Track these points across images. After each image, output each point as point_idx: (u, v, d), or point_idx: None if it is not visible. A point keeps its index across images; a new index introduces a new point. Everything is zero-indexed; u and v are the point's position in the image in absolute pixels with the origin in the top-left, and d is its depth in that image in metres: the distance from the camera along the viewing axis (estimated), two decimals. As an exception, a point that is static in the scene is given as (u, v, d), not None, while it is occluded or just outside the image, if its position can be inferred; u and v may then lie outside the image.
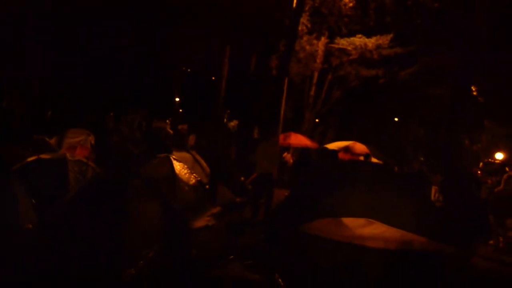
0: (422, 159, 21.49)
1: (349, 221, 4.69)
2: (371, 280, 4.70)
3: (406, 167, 17.22)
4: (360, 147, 11.03)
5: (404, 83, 18.90)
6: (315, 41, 17.24)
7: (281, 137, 13.52)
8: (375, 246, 4.60)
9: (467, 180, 6.53)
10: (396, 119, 27.96)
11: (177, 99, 30.40)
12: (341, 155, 10.37)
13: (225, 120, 25.17)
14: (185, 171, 7.74)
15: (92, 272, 4.61)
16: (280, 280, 4.70)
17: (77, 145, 10.96)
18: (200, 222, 7.21)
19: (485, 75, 17.06)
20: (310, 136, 17.39)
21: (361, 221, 4.67)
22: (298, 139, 15.09)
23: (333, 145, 11.44)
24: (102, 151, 11.54)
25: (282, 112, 12.45)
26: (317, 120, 22.71)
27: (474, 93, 19.74)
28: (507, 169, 10.69)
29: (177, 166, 7.62)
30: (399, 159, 19.75)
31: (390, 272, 4.71)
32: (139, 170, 7.02)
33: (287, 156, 14.85)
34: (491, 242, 9.72)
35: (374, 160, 10.65)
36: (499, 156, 18.81)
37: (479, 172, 10.89)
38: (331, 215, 4.80)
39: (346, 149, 10.86)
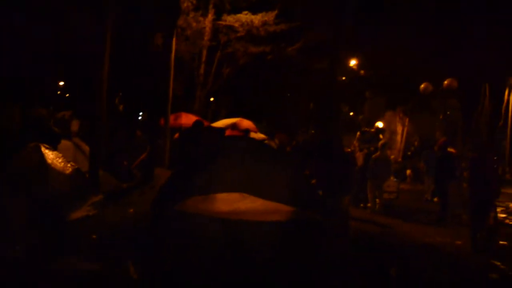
0: (313, 132, 22.48)
1: (223, 196, 4.68)
2: (250, 253, 4.76)
3: (295, 140, 17.88)
4: (246, 123, 11.16)
5: (291, 58, 19.43)
6: (201, 18, 17.03)
7: (172, 117, 13.24)
8: (251, 219, 4.64)
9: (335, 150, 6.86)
10: (288, 94, 28.80)
11: (61, 83, 28.33)
12: (228, 132, 10.42)
13: (116, 101, 24.09)
14: (60, 160, 7.19)
15: None
16: (133, 268, 4.55)
17: None
18: (79, 213, 6.81)
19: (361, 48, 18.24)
20: (203, 115, 17.26)
21: (235, 195, 4.68)
22: (189, 119, 14.80)
23: (220, 123, 11.45)
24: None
25: (170, 91, 12.15)
26: (212, 99, 22.65)
27: (354, 67, 21.07)
28: (381, 136, 11.58)
29: (50, 155, 7.03)
30: (291, 133, 20.45)
31: (268, 243, 4.81)
32: (3, 162, 6.39)
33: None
34: (368, 205, 10.52)
35: (259, 135, 10.85)
36: (380, 124, 20.34)
37: (355, 141, 11.62)
38: (206, 192, 4.76)
39: (233, 126, 10.92)
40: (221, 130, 9.55)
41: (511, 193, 17.49)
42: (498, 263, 6.61)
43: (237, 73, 20.12)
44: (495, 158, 7.52)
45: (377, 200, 10.40)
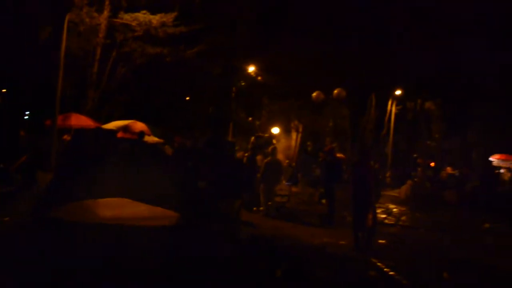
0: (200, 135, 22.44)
1: (106, 201, 4.44)
2: (133, 260, 4.57)
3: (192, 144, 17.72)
4: (140, 126, 10.80)
5: (190, 61, 19.26)
6: (96, 14, 16.18)
7: (60, 118, 12.43)
8: (134, 225, 4.46)
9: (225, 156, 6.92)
10: (187, 98, 28.48)
11: None
12: (120, 135, 10.00)
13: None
14: None
15: None
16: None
17: None
18: None
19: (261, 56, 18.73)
20: (96, 116, 16.40)
21: (119, 200, 4.47)
22: (80, 120, 14.02)
23: (111, 125, 10.96)
24: None
25: (59, 90, 11.38)
26: (106, 100, 21.59)
27: (252, 74, 21.55)
28: (274, 141, 11.95)
29: None
30: (189, 137, 20.22)
31: (153, 249, 4.66)
32: None
33: (68, 138, 13.70)
34: (261, 208, 10.76)
35: (153, 139, 10.58)
36: (275, 130, 20.99)
37: (249, 146, 11.86)
38: (88, 197, 4.48)
39: (125, 129, 10.50)
40: (112, 132, 9.11)
41: (392, 195, 19.12)
42: (376, 261, 7.10)
43: (134, 74, 19.44)
44: (374, 163, 8.09)
45: (269, 203, 10.67)
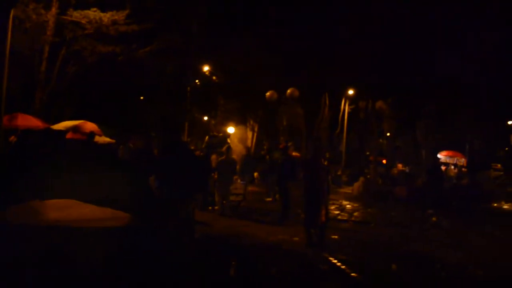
0: (153, 135, 22.20)
1: (52, 203, 4.31)
2: (81, 264, 4.46)
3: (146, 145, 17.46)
4: (90, 126, 10.53)
5: (143, 61, 18.95)
6: (43, 11, 15.61)
7: (6, 118, 11.92)
8: (82, 226, 4.35)
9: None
10: (141, 97, 28.03)
11: None
12: (70, 135, 9.72)
13: None
14: None
15: None
16: None
17: None
18: None
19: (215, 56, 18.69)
20: (45, 117, 15.84)
21: (65, 202, 4.34)
22: (27, 120, 13.47)
23: (60, 125, 10.62)
24: None
25: (4, 89, 10.90)
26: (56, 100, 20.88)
27: (207, 73, 21.49)
28: (228, 140, 11.97)
29: None
30: (144, 137, 19.90)
31: (101, 251, 4.56)
32: None
33: (14, 139, 13.15)
34: (216, 207, 10.77)
35: (104, 139, 10.34)
36: (231, 130, 21.00)
37: (203, 145, 11.83)
38: (33, 198, 4.33)
39: (75, 129, 10.21)
40: (61, 133, 8.85)
41: (346, 192, 19.59)
42: (328, 256, 7.27)
43: (85, 73, 18.91)
44: (325, 161, 8.27)
45: (224, 202, 10.68)
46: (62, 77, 17.64)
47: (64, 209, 4.32)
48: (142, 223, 4.74)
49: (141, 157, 7.87)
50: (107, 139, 10.54)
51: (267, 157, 11.33)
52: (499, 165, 30.95)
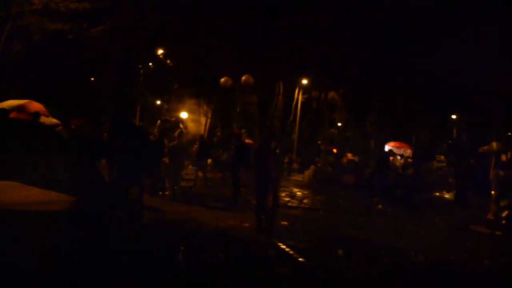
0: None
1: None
2: (24, 247, 4.32)
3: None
4: (36, 106, 10.08)
5: (95, 41, 18.32)
6: (-14, -17, 14.75)
7: None
8: (25, 210, 4.21)
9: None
10: (92, 78, 27.13)
11: None
12: (14, 115, 9.26)
13: None
14: None
15: None
16: None
17: None
18: None
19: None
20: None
21: (7, 184, 4.18)
22: (-32, 98, 12.74)
23: (4, 104, 10.07)
24: None
25: None
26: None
27: (161, 56, 21.06)
28: (181, 126, 11.84)
29: None
30: (93, 120, 19.26)
31: (46, 234, 4.44)
32: None
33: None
34: (166, 193, 10.67)
35: (51, 120, 9.93)
36: (184, 115, 20.78)
37: (155, 130, 11.65)
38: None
39: (20, 109, 9.74)
40: (5, 112, 8.42)
41: (297, 179, 19.94)
42: (276, 241, 7.40)
43: (34, 51, 18.06)
44: (275, 147, 8.37)
45: (175, 187, 10.60)
46: (7, 54, 16.79)
47: (6, 191, 4.16)
48: (85, 207, 4.64)
49: (85, 139, 7.61)
50: (54, 120, 10.11)
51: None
52: (442, 157, 32.37)
